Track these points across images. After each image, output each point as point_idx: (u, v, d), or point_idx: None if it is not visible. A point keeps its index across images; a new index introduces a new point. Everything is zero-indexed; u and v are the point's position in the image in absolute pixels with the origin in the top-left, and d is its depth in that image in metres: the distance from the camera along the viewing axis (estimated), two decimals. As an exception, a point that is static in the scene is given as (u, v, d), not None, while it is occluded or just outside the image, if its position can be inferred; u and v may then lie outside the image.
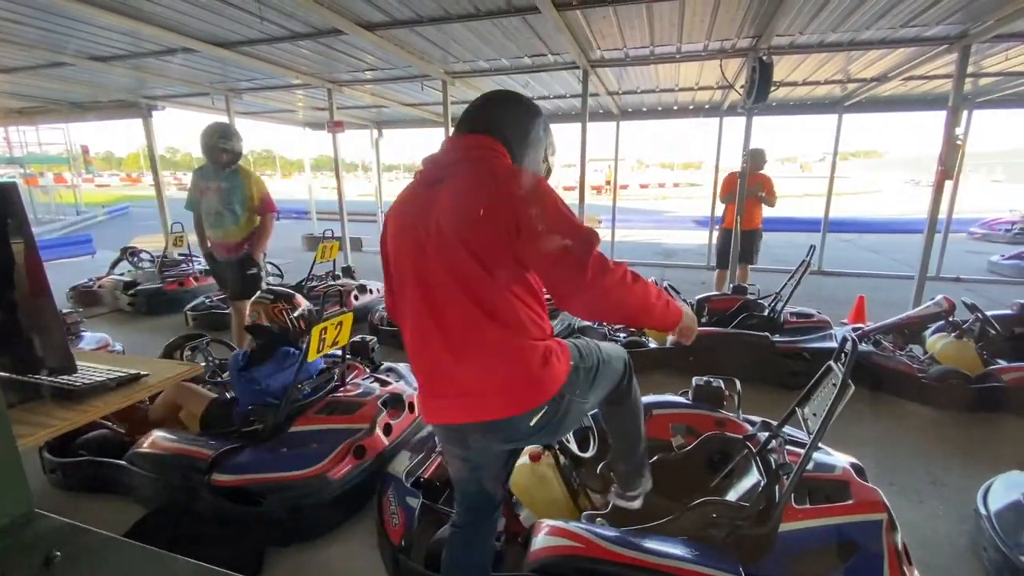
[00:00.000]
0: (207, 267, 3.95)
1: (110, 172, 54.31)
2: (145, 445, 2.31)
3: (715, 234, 6.71)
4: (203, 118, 7.08)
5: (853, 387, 1.46)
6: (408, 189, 1.31)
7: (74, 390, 1.08)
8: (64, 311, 4.06)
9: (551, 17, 3.79)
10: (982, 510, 2.02)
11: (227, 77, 6.35)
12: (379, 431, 2.41)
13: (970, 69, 4.96)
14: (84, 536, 0.61)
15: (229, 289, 3.88)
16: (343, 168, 7.37)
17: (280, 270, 5.95)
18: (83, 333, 4.05)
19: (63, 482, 2.48)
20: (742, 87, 4.94)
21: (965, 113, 6.72)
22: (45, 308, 1.05)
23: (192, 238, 7.04)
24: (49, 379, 1.14)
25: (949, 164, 4.53)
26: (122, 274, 6.21)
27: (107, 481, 2.39)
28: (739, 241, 5.31)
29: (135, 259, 6.36)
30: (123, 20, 4.01)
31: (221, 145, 3.58)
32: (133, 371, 1.20)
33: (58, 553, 0.57)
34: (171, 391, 2.68)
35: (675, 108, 8.33)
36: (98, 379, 1.12)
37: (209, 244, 3.80)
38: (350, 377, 2.83)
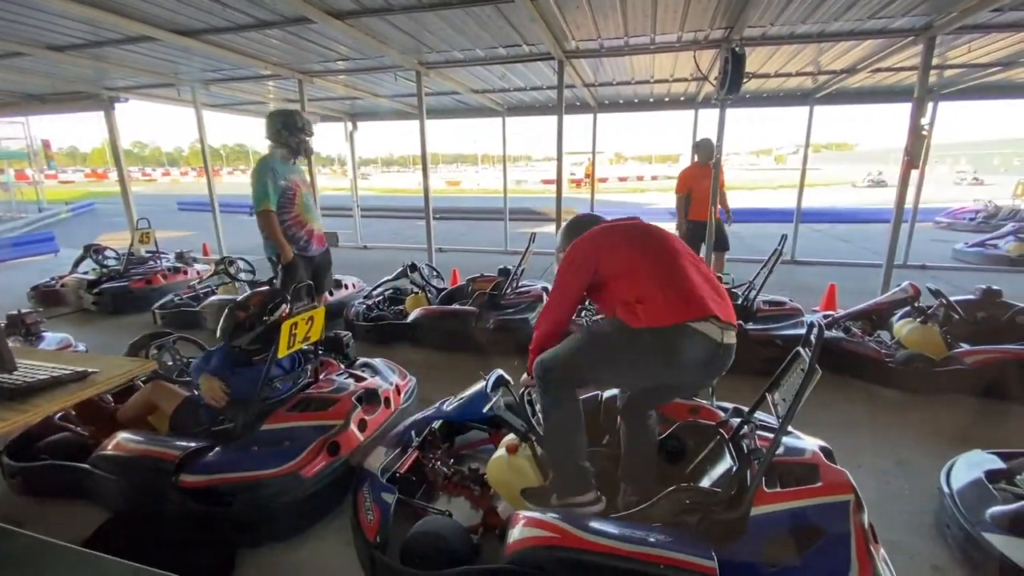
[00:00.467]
0: (285, 270, 3.31)
1: (74, 168, 52.50)
2: (110, 447, 2.24)
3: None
4: (170, 111, 6.86)
5: (820, 372, 1.47)
6: (624, 224, 2.08)
7: (15, 388, 1.02)
8: (24, 311, 3.90)
9: (524, 6, 3.75)
10: (945, 488, 2.08)
11: (192, 67, 6.15)
12: (354, 427, 2.37)
13: (935, 61, 5.08)
14: (11, 540, 0.57)
15: (322, 283, 3.63)
16: (318, 162, 7.22)
17: (252, 266, 5.81)
18: (44, 333, 3.91)
19: (25, 487, 2.39)
20: (716, 79, 4.98)
21: (931, 104, 6.90)
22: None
23: (161, 235, 6.86)
24: (-18, 377, 1.07)
25: (915, 154, 4.65)
26: (86, 272, 5.99)
27: (71, 485, 2.30)
28: (715, 231, 5.37)
29: (99, 257, 6.13)
30: (79, 7, 3.84)
31: (311, 133, 3.40)
32: (79, 368, 1.14)
33: (-19, 558, 0.54)
34: (147, 389, 2.60)
35: (651, 100, 8.38)
36: (40, 377, 1.06)
37: (309, 239, 3.49)
38: (323, 373, 2.77)
